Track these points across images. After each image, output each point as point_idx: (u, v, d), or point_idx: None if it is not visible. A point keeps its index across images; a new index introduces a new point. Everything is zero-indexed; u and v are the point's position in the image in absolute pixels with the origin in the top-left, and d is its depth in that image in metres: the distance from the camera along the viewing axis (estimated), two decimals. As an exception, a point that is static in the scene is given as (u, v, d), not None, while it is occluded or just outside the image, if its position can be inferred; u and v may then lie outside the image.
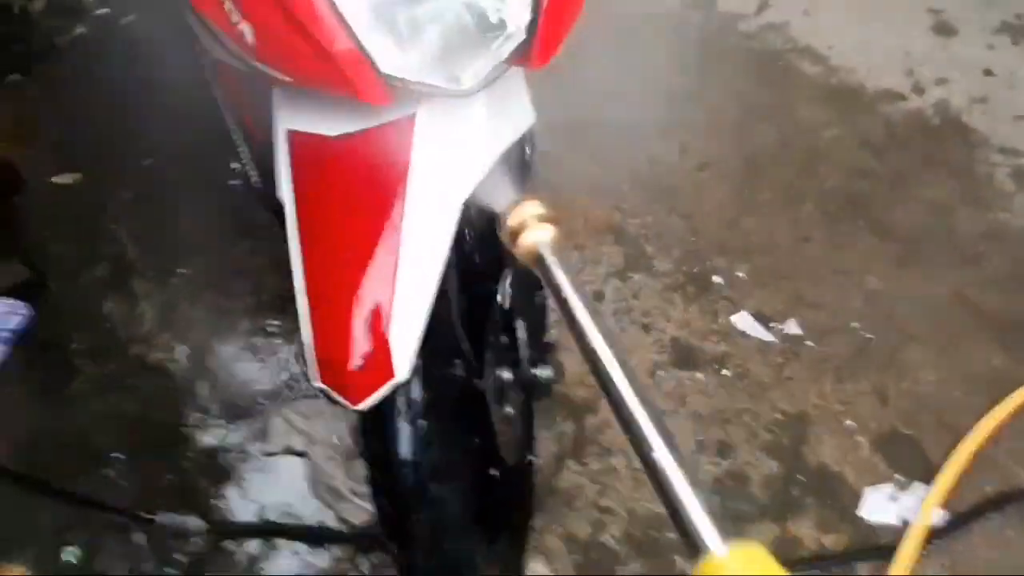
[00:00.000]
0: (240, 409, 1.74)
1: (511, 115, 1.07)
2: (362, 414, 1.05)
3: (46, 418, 1.72)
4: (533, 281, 1.36)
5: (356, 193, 0.95)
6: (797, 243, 2.04)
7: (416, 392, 1.03)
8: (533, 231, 0.89)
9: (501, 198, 0.93)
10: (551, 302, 1.40)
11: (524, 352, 1.33)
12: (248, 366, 1.81)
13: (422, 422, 1.04)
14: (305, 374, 1.75)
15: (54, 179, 2.18)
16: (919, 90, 2.40)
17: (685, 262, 2.00)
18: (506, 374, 1.34)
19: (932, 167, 2.21)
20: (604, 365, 0.74)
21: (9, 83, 2.44)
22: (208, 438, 1.70)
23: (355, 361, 0.90)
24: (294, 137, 0.98)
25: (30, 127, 2.29)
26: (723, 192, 2.16)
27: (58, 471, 1.63)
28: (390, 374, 0.90)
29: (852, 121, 2.34)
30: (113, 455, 1.67)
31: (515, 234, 0.89)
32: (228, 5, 0.87)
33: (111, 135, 2.25)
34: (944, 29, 2.57)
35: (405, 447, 1.03)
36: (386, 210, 0.92)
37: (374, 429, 1.05)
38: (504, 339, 1.36)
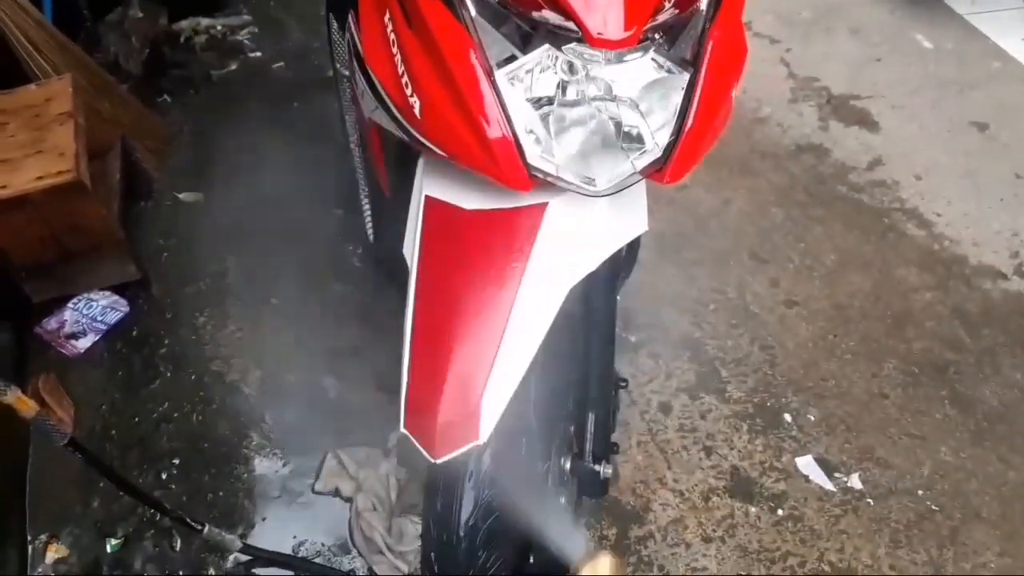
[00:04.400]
0: (299, 443, 1.79)
1: (628, 220, 1.13)
2: (431, 474, 1.09)
3: (120, 409, 1.80)
4: (612, 377, 1.38)
5: (478, 264, 1.01)
6: (873, 398, 2.01)
7: (486, 462, 1.06)
8: None
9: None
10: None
11: (588, 445, 1.35)
12: (316, 404, 1.86)
13: (488, 490, 1.07)
14: (367, 424, 1.82)
15: (180, 195, 2.33)
16: (1022, 273, 2.38)
17: (758, 393, 2.00)
18: (566, 463, 1.35)
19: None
20: None
21: (160, 103, 2.65)
22: (263, 464, 1.75)
23: (444, 416, 0.95)
24: (432, 203, 1.06)
25: (170, 144, 2.47)
26: (807, 332, 2.16)
27: (120, 461, 1.70)
28: (475, 436, 0.95)
29: (949, 290, 2.32)
30: (172, 459, 1.72)
31: None
32: (405, 79, 0.96)
33: (240, 166, 2.41)
34: (1057, 217, 2.55)
35: (468, 511, 1.06)
36: (502, 284, 0.99)
37: (443, 488, 1.08)
38: (572, 429, 1.38)
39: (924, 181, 2.66)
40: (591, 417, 1.33)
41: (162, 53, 2.76)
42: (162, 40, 2.82)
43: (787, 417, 1.94)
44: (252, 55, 2.91)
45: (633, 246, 1.39)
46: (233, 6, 3.06)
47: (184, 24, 2.94)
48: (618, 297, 1.43)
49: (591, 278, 1.25)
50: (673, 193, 2.49)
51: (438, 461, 0.94)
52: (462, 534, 1.05)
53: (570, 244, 1.04)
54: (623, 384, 1.51)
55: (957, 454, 1.90)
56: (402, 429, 0.97)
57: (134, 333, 1.96)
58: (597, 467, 1.33)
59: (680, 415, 1.93)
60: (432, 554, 1.08)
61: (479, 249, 1.01)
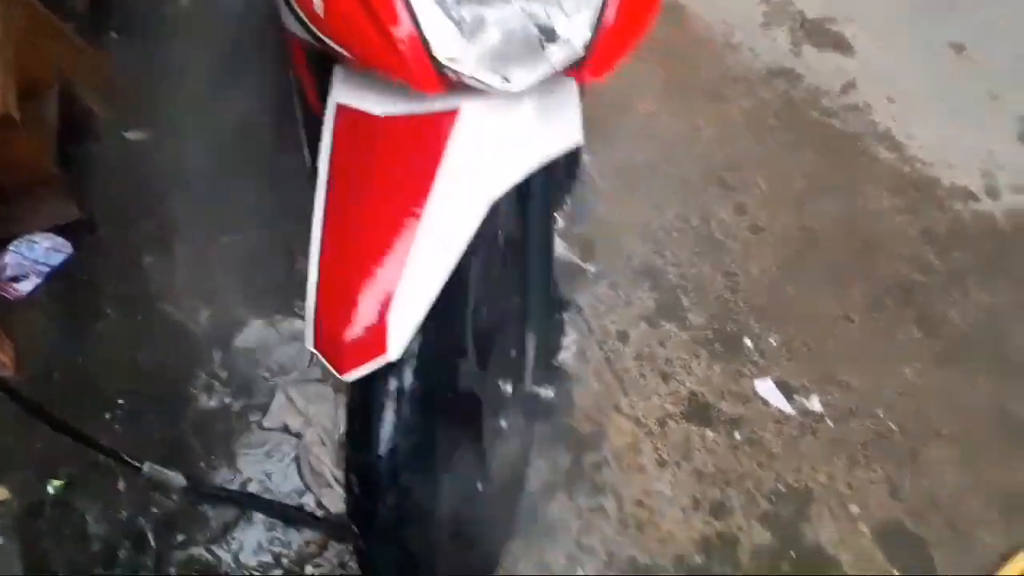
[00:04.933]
0: (248, 381, 1.76)
1: (556, 129, 1.07)
2: (351, 393, 1.06)
3: (63, 352, 1.76)
4: (552, 299, 1.34)
5: (387, 173, 0.97)
6: (837, 321, 1.98)
7: (408, 380, 1.02)
8: None
9: None
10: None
11: (530, 369, 1.31)
12: (266, 342, 1.83)
13: (408, 411, 1.03)
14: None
15: (127, 134, 2.26)
16: (994, 193, 2.33)
17: (718, 319, 1.96)
18: (507, 387, 1.32)
19: (993, 272, 2.12)
20: None
21: (108, 41, 2.55)
22: (211, 402, 1.72)
23: (351, 332, 0.91)
24: (341, 111, 1.01)
25: (116, 83, 2.39)
26: (772, 258, 2.12)
27: (62, 405, 1.66)
28: (382, 351, 0.91)
29: (919, 213, 2.27)
30: (117, 400, 1.69)
31: None
32: None
33: (190, 103, 2.33)
34: (1031, 138, 2.49)
35: (386, 430, 1.02)
36: (412, 195, 0.94)
37: (360, 408, 1.05)
38: (512, 352, 1.34)
39: (898, 104, 2.58)
40: (531, 339, 1.29)
41: (109, -10, 2.66)
42: (109, -23, 2.71)
43: (748, 342, 1.91)
44: (204, -9, 2.81)
45: (572, 163, 1.34)
46: (183, -59, 2.94)
47: (132, -40, 2.83)
48: (557, 216, 1.39)
49: (525, 195, 1.21)
50: (640, 121, 2.43)
51: (346, 377, 0.91)
52: (382, 454, 1.01)
53: (489, 153, 0.99)
54: (568, 307, 1.47)
55: (920, 375, 1.87)
56: (309, 346, 0.93)
57: (78, 275, 1.91)
58: (538, 389, 1.30)
59: (638, 343, 1.90)
60: (352, 475, 1.05)
61: (389, 157, 0.96)
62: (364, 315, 0.90)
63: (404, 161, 0.97)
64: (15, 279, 1.87)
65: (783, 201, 2.26)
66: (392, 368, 0.99)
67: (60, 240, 1.95)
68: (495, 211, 1.14)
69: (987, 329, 1.99)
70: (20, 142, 1.74)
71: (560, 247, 2.08)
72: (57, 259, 1.92)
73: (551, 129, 1.07)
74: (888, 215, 2.26)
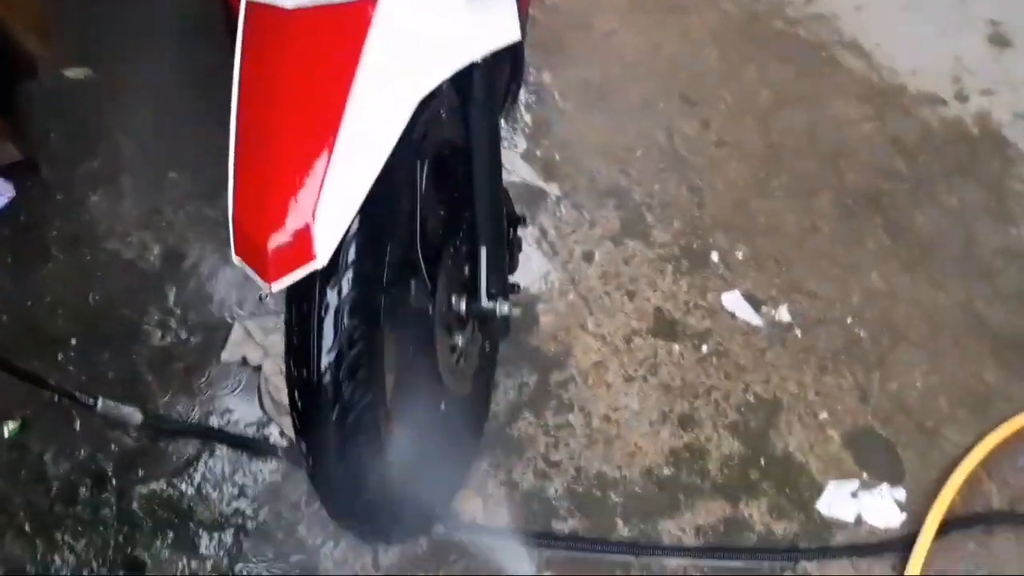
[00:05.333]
0: (202, 317, 1.71)
1: (489, 25, 1.02)
2: (289, 307, 1.01)
3: (10, 296, 1.71)
4: (502, 212, 1.30)
5: (303, 71, 0.91)
6: (804, 232, 1.95)
7: (346, 290, 0.98)
8: None
9: None
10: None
11: (484, 284, 1.27)
12: (219, 277, 1.78)
13: (348, 323, 0.99)
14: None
15: (67, 72, 2.16)
16: (962, 98, 2.29)
17: (684, 236, 1.93)
18: (460, 303, 1.28)
19: (961, 176, 2.10)
20: None
21: (42, -24, 2.44)
22: (166, 339, 1.67)
23: (275, 238, 0.86)
24: (251, 8, 0.94)
25: (53, 19, 2.28)
26: (738, 172, 2.08)
27: (12, 347, 1.61)
28: (309, 256, 0.87)
29: (886, 120, 2.23)
30: (69, 341, 1.65)
31: None
32: None
33: (131, 37, 2.24)
34: (999, 40, 2.45)
35: (326, 343, 0.98)
36: (331, 93, 0.89)
37: (298, 322, 1.00)
38: (465, 268, 1.30)
39: (864, 12, 2.53)
40: (483, 253, 1.25)
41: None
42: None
43: (714, 256, 1.88)
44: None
45: (516, 64, 1.28)
46: None
47: None
48: (503, 121, 1.34)
49: (467, 100, 1.16)
50: (600, 38, 2.36)
51: (274, 286, 0.87)
52: (323, 367, 0.97)
53: (413, 47, 0.94)
54: (522, 221, 1.42)
55: (888, 281, 1.86)
56: (234, 257, 0.89)
57: (22, 218, 1.84)
58: (493, 305, 1.26)
59: (603, 262, 1.86)
60: (295, 391, 1.01)
61: (303, 54, 0.90)
62: (288, 220, 0.85)
63: (321, 57, 0.91)
64: (-44, 224, 1.80)
65: (748, 114, 2.21)
66: (329, 279, 0.94)
67: (1, 182, 1.87)
68: (436, 113, 1.09)
69: (955, 233, 1.97)
70: (-52, 79, 1.65)
71: (521, 169, 2.03)
72: (-1, 202, 1.85)
73: (483, 24, 1.02)
74: (855, 124, 2.22)
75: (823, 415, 1.61)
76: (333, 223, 0.87)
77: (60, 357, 1.63)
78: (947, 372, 1.68)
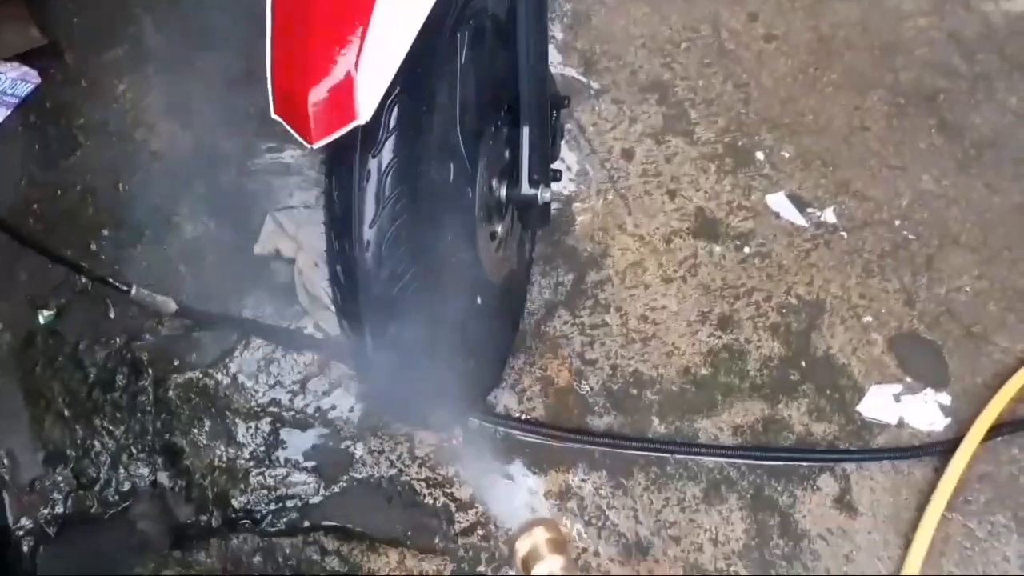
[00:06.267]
0: (234, 209, 1.68)
1: None
2: (328, 177, 0.97)
3: (41, 184, 1.69)
4: (547, 96, 1.24)
5: None
6: (854, 131, 1.87)
7: (388, 158, 0.93)
8: (545, 563, 0.95)
9: None
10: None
11: (526, 168, 1.22)
12: (250, 167, 1.74)
13: (391, 192, 0.94)
14: (306, 181, 1.70)
15: (89, -48, 2.09)
16: (1029, -10, 2.15)
17: (729, 133, 1.85)
18: (500, 189, 1.24)
19: (1022, 75, 1.99)
20: None
21: None
22: (198, 230, 1.65)
23: (315, 94, 0.82)
24: None
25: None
26: (786, 67, 1.98)
27: (46, 235, 1.60)
28: (352, 115, 0.82)
29: (945, 14, 2.10)
30: (100, 230, 1.63)
31: (526, 564, 0.95)
32: None
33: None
34: (1073, -72, 2.28)
35: (368, 213, 0.94)
36: None
37: (339, 191, 0.96)
38: (506, 152, 1.25)
39: None
40: (525, 135, 1.19)
41: None
42: None
43: (759, 155, 1.81)
44: None
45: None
46: None
47: None
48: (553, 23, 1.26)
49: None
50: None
51: (315, 145, 0.83)
52: (366, 239, 0.94)
53: None
54: (565, 103, 1.36)
55: (939, 183, 1.78)
56: (272, 114, 0.84)
57: (48, 105, 1.81)
58: (534, 191, 1.21)
59: (643, 160, 1.80)
60: (337, 267, 0.98)
61: None
62: (328, 76, 0.80)
63: None
64: (-17, 111, 1.77)
65: (798, 6, 2.09)
66: (370, 146, 0.90)
67: (27, 70, 1.84)
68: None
69: (1013, 134, 1.87)
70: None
71: (559, 61, 1.95)
72: (25, 89, 1.81)
73: None
74: (911, 17, 2.09)
75: (867, 318, 1.57)
76: (375, 79, 0.82)
77: (93, 246, 1.62)
78: (998, 277, 1.62)
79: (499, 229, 1.25)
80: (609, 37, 2.01)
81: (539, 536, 0.96)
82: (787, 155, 1.82)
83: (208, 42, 1.90)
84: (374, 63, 0.81)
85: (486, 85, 1.16)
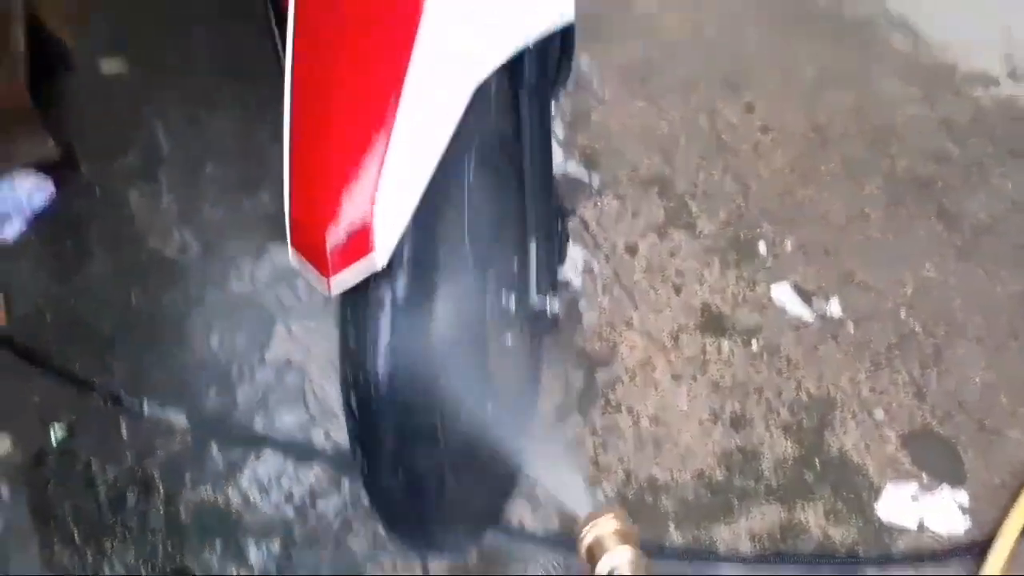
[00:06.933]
0: (245, 313, 1.70)
1: (543, 5, 0.97)
2: (342, 308, 0.98)
3: (53, 295, 1.70)
4: (552, 206, 1.26)
5: (357, 50, 0.86)
6: (854, 220, 1.90)
7: (402, 290, 0.94)
8: (612, 555, 0.85)
9: None
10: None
11: (533, 280, 1.24)
12: (260, 274, 1.76)
13: (404, 323, 0.95)
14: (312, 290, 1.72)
15: (101, 63, 2.15)
16: (1016, 76, 2.21)
17: (730, 225, 1.88)
18: (510, 300, 1.26)
19: (1015, 160, 2.03)
20: None
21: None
22: (209, 339, 1.66)
23: (333, 233, 0.81)
24: None
25: (87, 10, 2.26)
26: (784, 158, 2.02)
27: (58, 350, 1.61)
28: (368, 248, 0.82)
29: (935, 101, 2.16)
30: (113, 341, 1.64)
31: (592, 553, 0.87)
32: None
33: (166, 26, 2.21)
34: (1054, 15, 2.35)
35: (382, 344, 0.95)
36: (388, 74, 0.83)
37: (352, 323, 0.97)
38: (514, 263, 1.27)
39: (911, -14, 2.44)
40: (532, 247, 1.21)
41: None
42: None
43: (761, 247, 1.84)
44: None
45: (567, 45, 1.23)
46: None
47: None
48: (553, 108, 1.29)
49: (518, 85, 1.11)
50: (640, 18, 2.30)
51: (333, 283, 0.83)
52: (379, 370, 0.94)
53: (468, 31, 0.88)
54: (570, 213, 1.39)
55: (941, 271, 1.80)
56: (290, 250, 0.85)
57: (63, 215, 1.84)
58: (543, 301, 1.23)
59: (648, 255, 1.82)
60: (352, 398, 0.98)
61: (358, 31, 0.86)
62: (346, 213, 0.80)
63: (374, 35, 0.85)
64: (-2, 224, 1.80)
65: (793, 97, 2.15)
66: (383, 277, 0.91)
67: (42, 180, 1.87)
68: (485, 101, 1.05)
69: (1010, 220, 1.91)
70: (-13, 79, 1.64)
71: (561, 158, 1.99)
72: (40, 199, 1.84)
73: (537, 4, 0.97)
74: (903, 105, 2.15)
75: (879, 413, 1.57)
76: (393, 218, 0.83)
77: (105, 358, 1.62)
78: (1006, 368, 1.63)
79: (509, 339, 1.26)
80: (609, 133, 2.05)
81: (605, 526, 0.86)
82: (789, 246, 1.85)
83: (219, 146, 1.95)
84: (392, 201, 0.82)
85: (492, 200, 1.19)
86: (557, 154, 2.01)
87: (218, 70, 2.11)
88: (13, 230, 1.81)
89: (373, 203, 0.81)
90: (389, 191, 0.82)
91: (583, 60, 2.19)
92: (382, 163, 0.82)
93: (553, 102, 1.30)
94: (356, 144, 0.83)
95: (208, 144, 1.98)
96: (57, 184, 1.87)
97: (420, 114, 0.83)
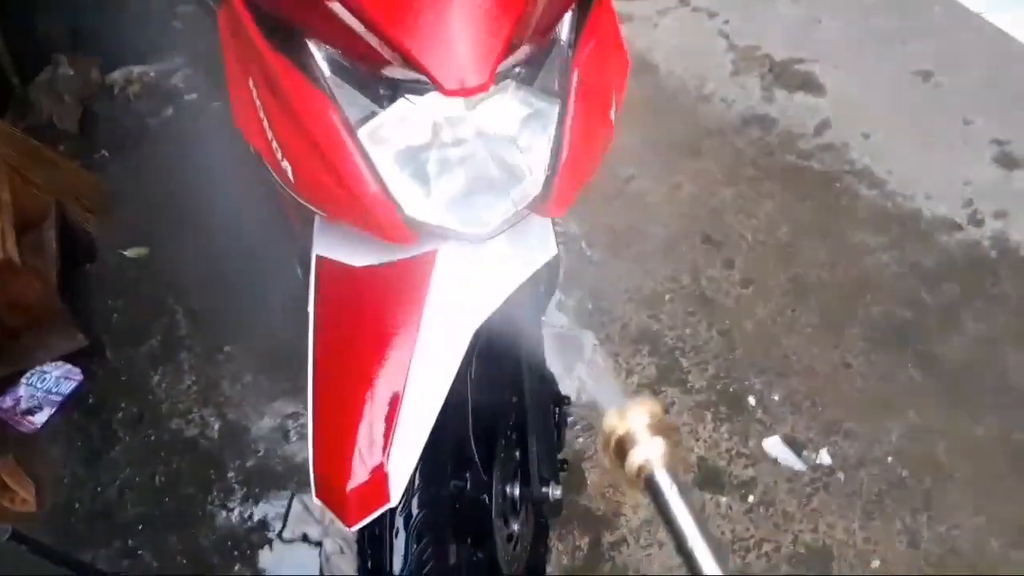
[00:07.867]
0: (263, 491, 1.78)
1: (530, 252, 1.10)
2: (362, 530, 1.08)
3: (81, 481, 1.79)
4: (549, 398, 1.37)
5: (372, 323, 0.99)
6: (837, 369, 2.00)
7: (414, 510, 1.05)
8: (643, 447, 0.77)
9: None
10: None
11: (535, 471, 1.33)
12: (278, 450, 1.86)
13: (419, 538, 1.05)
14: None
15: (125, 252, 2.31)
16: (977, 221, 2.36)
17: (720, 380, 1.99)
18: (514, 491, 1.34)
19: (985, 301, 2.15)
20: None
21: (99, 159, 2.62)
22: (230, 516, 1.74)
23: (352, 483, 0.93)
24: (322, 262, 1.04)
25: (110, 201, 2.45)
26: (765, 311, 2.15)
27: (86, 537, 1.69)
28: (386, 499, 0.93)
29: (905, 248, 2.30)
30: (137, 525, 1.72)
31: (621, 446, 0.78)
32: (274, 144, 0.94)
33: (185, 215, 2.38)
34: (1008, 161, 2.53)
35: (398, 561, 1.05)
36: (399, 340, 0.97)
37: (370, 542, 1.07)
38: (516, 455, 1.37)
39: (872, 139, 2.63)
40: (533, 442, 1.31)
41: (97, 108, 2.74)
42: (96, 94, 2.80)
43: (751, 400, 1.94)
44: (188, 97, 2.89)
45: (552, 268, 1.38)
46: (165, 50, 3.02)
47: (116, 75, 2.91)
48: (544, 317, 1.42)
49: (514, 304, 1.24)
50: (621, 186, 2.48)
51: (353, 528, 0.93)
52: None
53: (468, 287, 1.02)
54: (567, 401, 1.50)
55: (924, 416, 1.89)
56: (314, 498, 0.96)
57: (90, 401, 1.95)
58: (546, 490, 1.32)
59: (644, 412, 1.92)
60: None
61: (373, 307, 0.99)
62: (363, 465, 0.92)
63: (387, 309, 0.99)
64: (29, 411, 1.91)
65: (770, 250, 2.30)
66: (398, 505, 1.01)
67: (70, 367, 1.99)
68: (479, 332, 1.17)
69: (986, 361, 2.01)
70: (23, 282, 1.79)
71: (556, 318, 2.12)
72: (68, 387, 1.96)
73: (527, 249, 1.11)
74: (875, 253, 2.29)
75: (875, 563, 1.63)
76: (404, 464, 0.93)
77: (130, 543, 1.70)
78: (996, 511, 1.70)
79: (515, 528, 1.34)
80: (599, 293, 2.19)
81: (638, 417, 0.75)
82: (777, 398, 1.95)
83: (238, 327, 2.08)
84: (403, 450, 0.93)
85: (493, 401, 1.30)
86: (552, 314, 2.14)
87: (234, 253, 2.25)
88: (44, 417, 1.91)
89: (387, 456, 0.92)
90: (401, 443, 0.93)
91: (571, 223, 2.36)
92: (394, 419, 0.93)
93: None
94: (371, 402, 0.94)
95: (224, 324, 2.11)
96: (84, 371, 1.99)
97: (427, 367, 0.95)
